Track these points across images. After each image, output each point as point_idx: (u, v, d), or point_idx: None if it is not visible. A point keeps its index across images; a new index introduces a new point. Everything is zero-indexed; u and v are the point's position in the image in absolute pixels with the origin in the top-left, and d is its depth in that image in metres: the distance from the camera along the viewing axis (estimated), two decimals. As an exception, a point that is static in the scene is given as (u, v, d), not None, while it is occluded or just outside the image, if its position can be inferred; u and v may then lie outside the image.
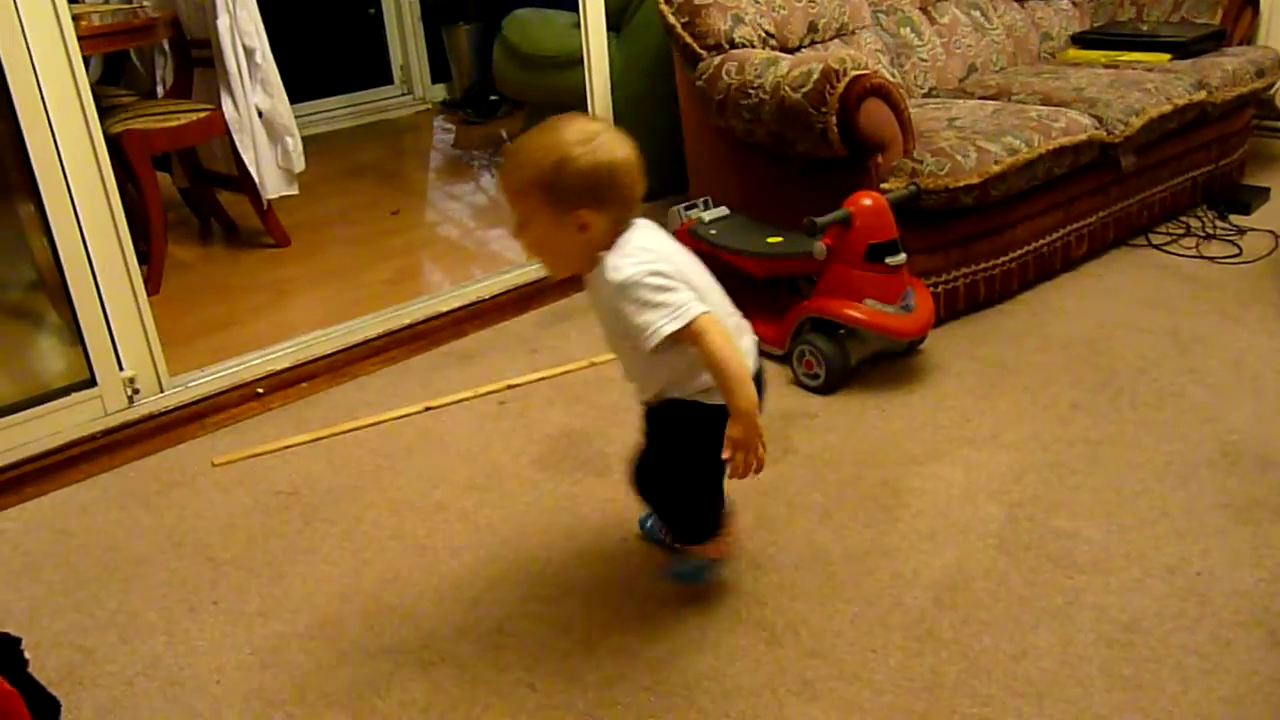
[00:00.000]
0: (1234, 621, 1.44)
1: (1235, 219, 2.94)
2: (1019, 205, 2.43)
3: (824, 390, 2.13)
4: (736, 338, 1.34)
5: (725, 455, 1.33)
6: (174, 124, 2.86)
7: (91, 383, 2.07)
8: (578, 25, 2.78)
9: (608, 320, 1.38)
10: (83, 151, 1.95)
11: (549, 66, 3.34)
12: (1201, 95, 2.78)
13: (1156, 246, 2.81)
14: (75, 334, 2.04)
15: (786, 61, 2.30)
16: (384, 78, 5.08)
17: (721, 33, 2.48)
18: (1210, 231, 2.87)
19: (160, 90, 3.37)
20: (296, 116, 3.07)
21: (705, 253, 2.40)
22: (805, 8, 2.67)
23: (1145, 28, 3.24)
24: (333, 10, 4.80)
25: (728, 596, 1.55)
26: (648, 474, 1.52)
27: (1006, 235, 2.45)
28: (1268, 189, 3.10)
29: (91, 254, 1.99)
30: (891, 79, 2.45)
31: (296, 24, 4.31)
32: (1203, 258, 2.71)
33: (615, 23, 2.90)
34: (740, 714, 1.34)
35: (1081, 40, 3.32)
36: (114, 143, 2.52)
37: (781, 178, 2.45)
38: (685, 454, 1.45)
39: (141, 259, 2.12)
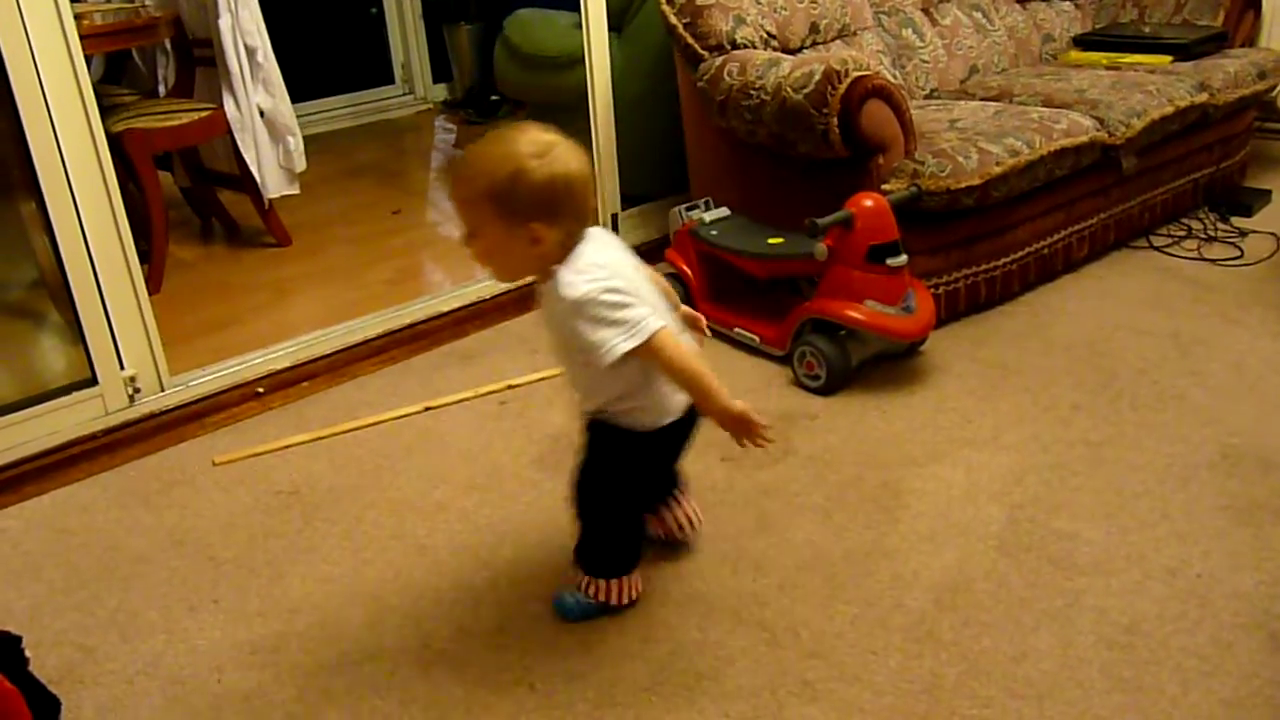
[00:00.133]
0: (1234, 624, 1.44)
1: (1237, 221, 2.94)
2: (1020, 207, 2.43)
3: (825, 391, 2.13)
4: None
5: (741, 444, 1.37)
6: (175, 123, 2.86)
7: (92, 381, 2.07)
8: (579, 25, 2.78)
9: (559, 334, 1.37)
10: (84, 150, 1.95)
11: (550, 67, 3.33)
12: (1203, 97, 2.78)
13: (1158, 248, 2.81)
14: (76, 333, 2.04)
15: (788, 62, 2.30)
16: (385, 77, 5.08)
17: (723, 33, 2.48)
18: (1212, 234, 2.87)
19: (162, 89, 3.37)
20: (298, 116, 3.08)
21: (706, 253, 2.42)
22: (807, 9, 2.67)
23: (1147, 29, 3.24)
24: (334, 10, 4.80)
25: (728, 597, 1.55)
26: (577, 488, 1.51)
27: (1008, 237, 2.45)
28: (1269, 191, 3.10)
29: (93, 253, 2.00)
30: (893, 80, 2.45)
31: (298, 23, 4.32)
32: (1204, 260, 2.71)
33: (616, 23, 2.90)
34: (740, 715, 1.34)
35: (1083, 42, 3.31)
36: (115, 142, 2.52)
37: (783, 179, 2.45)
38: (610, 474, 1.46)
39: (143, 258, 2.13)
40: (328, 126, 4.65)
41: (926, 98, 2.91)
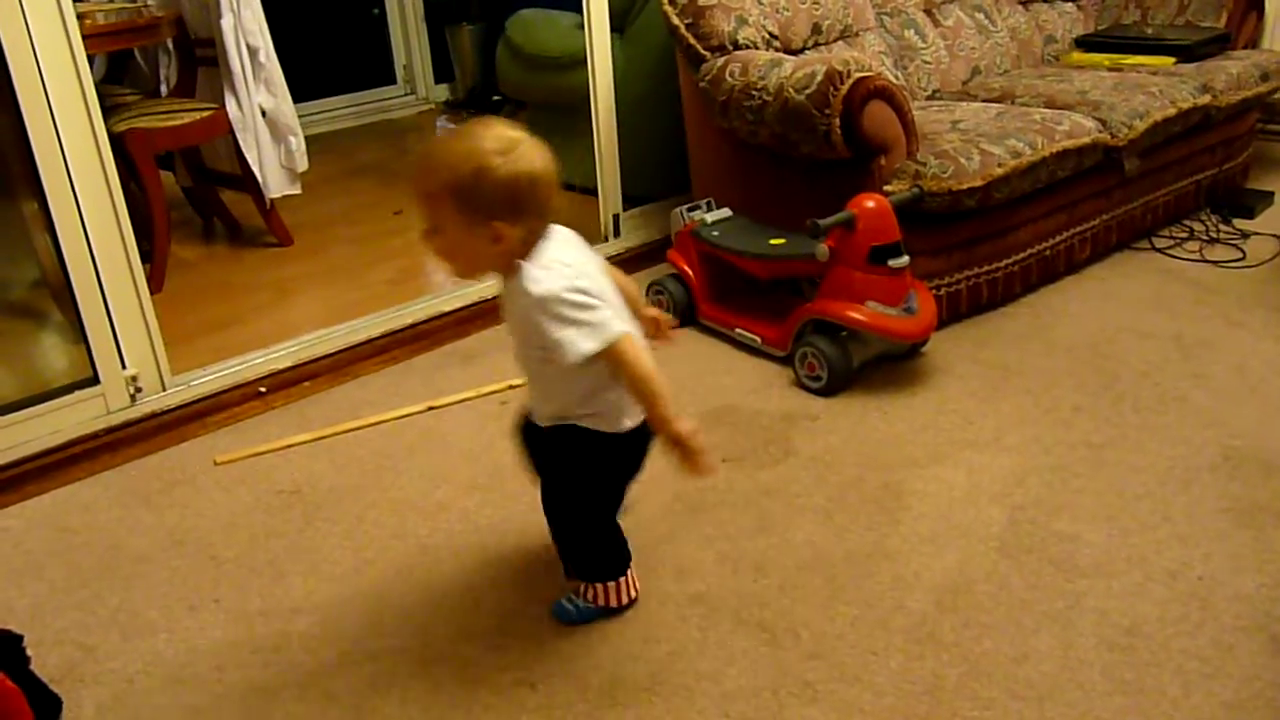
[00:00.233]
0: (1236, 626, 1.44)
1: (1239, 223, 2.94)
2: (1022, 208, 2.43)
3: (826, 392, 2.13)
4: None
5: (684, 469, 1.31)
6: (177, 123, 2.86)
7: (94, 381, 2.07)
8: (581, 26, 2.78)
9: (521, 330, 1.35)
10: (87, 150, 1.95)
11: (552, 67, 3.34)
12: (1206, 99, 2.78)
13: (1160, 250, 2.81)
14: (78, 332, 2.05)
15: (790, 63, 2.30)
16: (387, 78, 5.09)
17: (725, 34, 2.48)
18: (1214, 235, 2.86)
19: (164, 89, 3.38)
20: (300, 116, 3.08)
21: (708, 254, 2.42)
22: (809, 9, 2.67)
23: (1150, 31, 3.24)
24: (336, 10, 4.80)
25: (729, 598, 1.55)
26: (549, 502, 1.50)
27: (1009, 238, 2.45)
28: (1272, 193, 3.10)
29: (95, 252, 2.00)
30: (895, 81, 2.45)
31: (300, 23, 4.32)
32: (1206, 262, 2.71)
33: (619, 23, 2.90)
34: (740, 715, 1.34)
35: (1086, 43, 3.31)
36: (118, 141, 2.52)
37: (784, 179, 2.45)
38: (582, 478, 1.45)
39: (144, 257, 2.13)
40: (330, 126, 4.65)
41: (928, 99, 2.91)
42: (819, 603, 1.53)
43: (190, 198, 3.43)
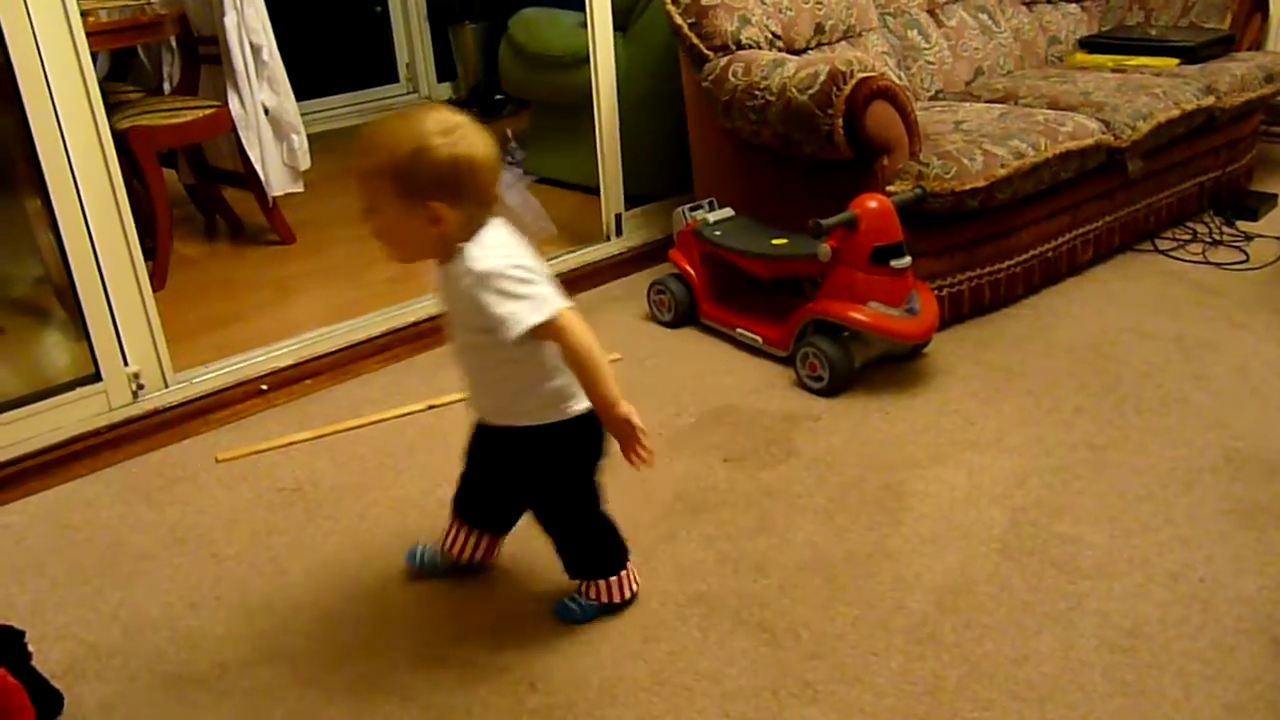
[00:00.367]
0: (1237, 628, 1.44)
1: (1242, 225, 2.94)
2: (1025, 209, 2.43)
3: (827, 392, 2.13)
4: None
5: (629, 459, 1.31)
6: (180, 121, 2.86)
7: (96, 378, 2.07)
8: (584, 25, 2.78)
9: (461, 313, 1.34)
10: (90, 147, 1.95)
11: (555, 66, 3.34)
12: (1209, 100, 2.78)
13: (1163, 252, 2.80)
14: (81, 329, 2.05)
15: (793, 63, 2.30)
16: (389, 76, 5.09)
17: (728, 34, 2.48)
18: (1217, 237, 2.86)
19: (167, 87, 3.38)
20: (302, 114, 3.08)
21: (710, 254, 2.42)
22: (812, 9, 2.67)
23: (1154, 32, 3.23)
24: (339, 8, 4.81)
25: (729, 598, 1.55)
26: (534, 509, 1.49)
27: (1012, 239, 2.44)
28: (1275, 195, 3.09)
29: (97, 250, 2.00)
30: (898, 81, 2.45)
31: (303, 22, 4.32)
32: (1209, 264, 2.71)
33: (622, 23, 2.90)
34: (740, 715, 1.34)
35: (1089, 44, 3.31)
36: (120, 139, 2.52)
37: (787, 179, 2.45)
38: (551, 480, 1.45)
39: (147, 255, 2.13)
40: (332, 125, 4.64)
41: (931, 99, 2.91)
42: (819, 603, 1.53)
43: (193, 195, 3.43)
